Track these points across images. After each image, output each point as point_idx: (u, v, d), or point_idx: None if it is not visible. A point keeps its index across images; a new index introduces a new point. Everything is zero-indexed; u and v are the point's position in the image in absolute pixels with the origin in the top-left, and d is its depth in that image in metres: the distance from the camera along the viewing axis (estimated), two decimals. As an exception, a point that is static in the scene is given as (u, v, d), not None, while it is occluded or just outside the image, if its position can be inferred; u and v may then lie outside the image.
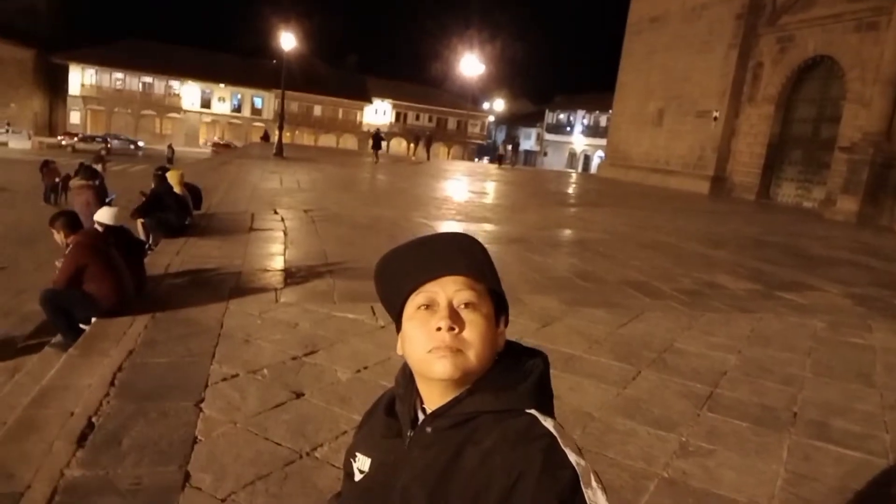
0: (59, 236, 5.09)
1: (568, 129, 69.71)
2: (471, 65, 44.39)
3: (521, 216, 14.73)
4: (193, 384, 3.82)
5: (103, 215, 5.65)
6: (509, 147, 46.61)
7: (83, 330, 4.63)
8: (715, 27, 28.00)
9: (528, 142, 76.30)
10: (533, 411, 0.93)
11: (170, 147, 41.48)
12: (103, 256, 4.84)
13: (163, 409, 3.50)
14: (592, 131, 64.22)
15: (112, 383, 3.88)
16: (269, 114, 60.58)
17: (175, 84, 61.43)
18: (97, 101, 59.00)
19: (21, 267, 9.58)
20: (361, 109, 67.13)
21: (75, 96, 58.35)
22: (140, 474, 2.92)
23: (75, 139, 45.93)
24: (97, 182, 8.91)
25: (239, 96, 64.07)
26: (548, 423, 0.91)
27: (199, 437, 3.23)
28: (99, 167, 11.27)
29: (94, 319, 4.66)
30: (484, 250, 1.03)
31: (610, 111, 43.02)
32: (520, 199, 20.61)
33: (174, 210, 8.05)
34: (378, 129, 33.18)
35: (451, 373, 0.93)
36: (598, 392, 4.24)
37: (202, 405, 3.58)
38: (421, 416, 1.00)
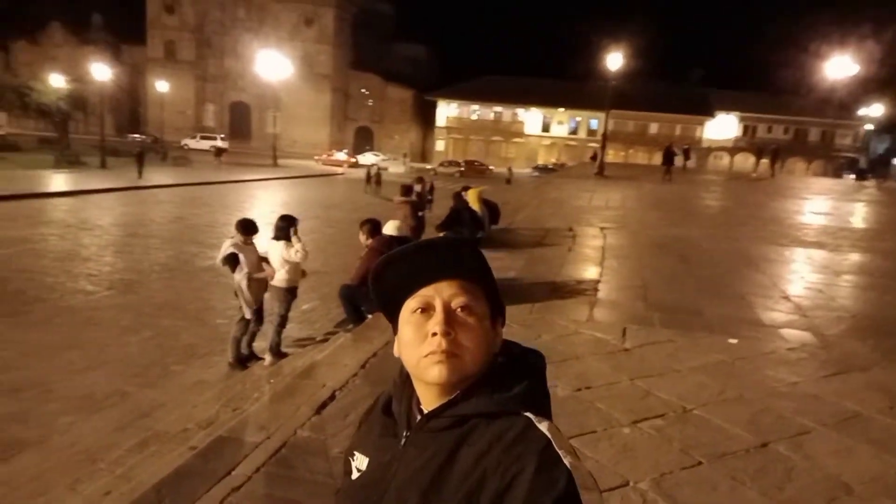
0: (362, 238, 6.17)
1: None
2: (840, 66, 37.70)
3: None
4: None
5: (389, 227, 6.62)
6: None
7: (364, 317, 5.53)
8: None
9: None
10: (528, 414, 0.92)
11: (509, 169, 45.55)
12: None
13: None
14: None
15: (363, 366, 4.55)
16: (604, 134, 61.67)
17: (520, 111, 67.44)
18: (457, 130, 68.58)
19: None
20: (702, 125, 63.21)
21: (441, 127, 68.95)
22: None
23: (439, 164, 54.24)
24: (414, 198, 10.44)
25: (576, 119, 66.91)
26: (543, 426, 0.90)
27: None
28: (419, 187, 13.08)
29: (371, 310, 5.52)
30: (479, 252, 1.03)
31: None
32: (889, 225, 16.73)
33: (469, 225, 8.90)
34: (671, 144, 30.56)
35: (447, 377, 0.94)
36: (873, 463, 3.27)
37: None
38: (418, 417, 1.01)
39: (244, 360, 5.71)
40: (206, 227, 15.24)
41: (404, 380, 1.06)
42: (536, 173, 48.89)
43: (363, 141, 65.77)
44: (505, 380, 0.96)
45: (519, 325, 5.35)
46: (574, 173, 30.53)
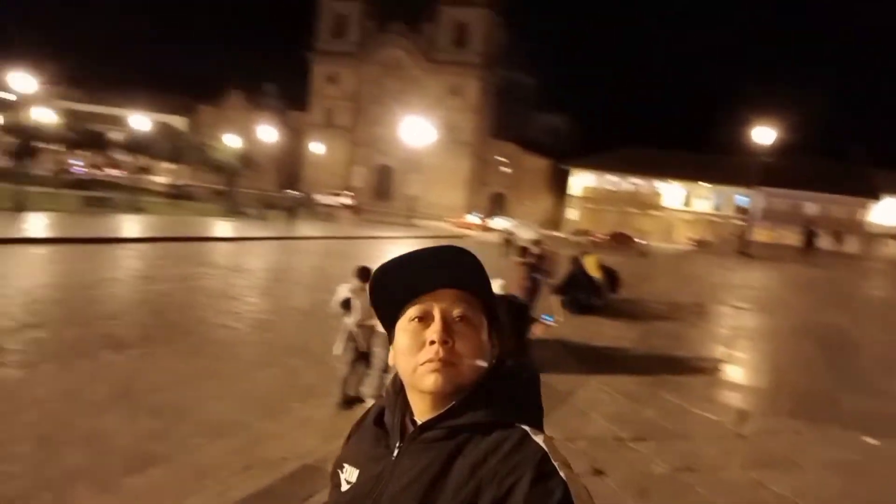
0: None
1: None
2: None
3: None
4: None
5: (494, 286, 6.65)
6: None
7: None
8: None
9: None
10: (524, 426, 0.92)
11: (645, 242, 44.10)
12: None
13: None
14: None
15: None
16: (750, 211, 57.97)
17: (658, 184, 65.58)
18: (592, 200, 67.89)
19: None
20: (866, 207, 57.26)
21: (574, 196, 68.68)
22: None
23: (571, 233, 54.04)
24: (531, 260, 10.42)
25: (719, 194, 63.68)
26: (538, 438, 0.90)
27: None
28: (536, 250, 13.06)
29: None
30: (478, 263, 1.02)
31: None
32: None
33: (585, 290, 8.74)
34: (811, 225, 27.50)
35: (443, 386, 0.93)
36: None
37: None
38: (410, 428, 0.99)
39: (350, 401, 5.94)
40: (340, 276, 16.16)
41: (397, 390, 1.05)
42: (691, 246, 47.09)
43: (496, 206, 67.16)
44: (500, 391, 0.96)
45: (623, 396, 5.13)
46: (715, 250, 28.92)
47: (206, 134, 42.95)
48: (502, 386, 0.97)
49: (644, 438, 4.25)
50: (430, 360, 0.94)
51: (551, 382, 5.43)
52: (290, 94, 67.88)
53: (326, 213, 38.51)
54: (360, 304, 5.70)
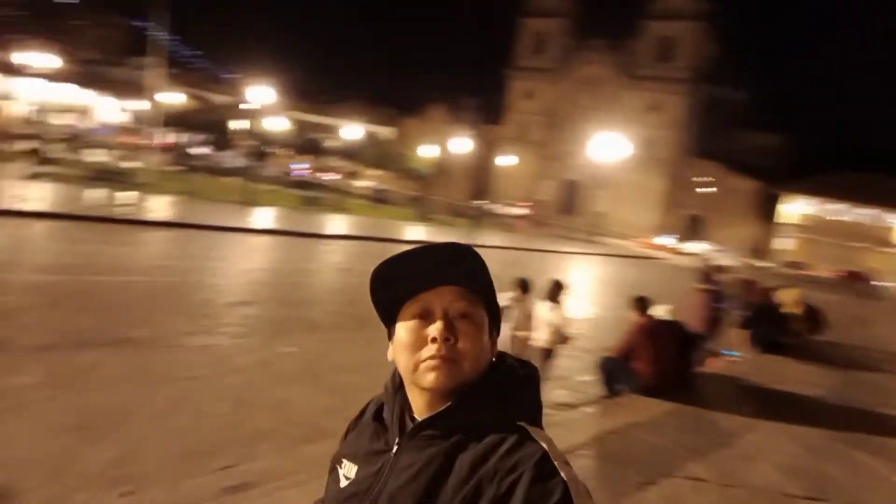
0: (632, 314, 6.05)
1: None
2: None
3: None
4: (656, 467, 3.97)
5: (660, 310, 6.29)
6: None
7: (617, 394, 5.40)
8: None
9: None
10: (523, 424, 0.92)
11: (882, 284, 38.40)
12: (653, 342, 5.51)
13: (608, 473, 3.84)
14: None
15: (596, 440, 4.46)
16: None
17: (889, 217, 56.20)
18: (808, 229, 60.30)
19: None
20: None
21: (787, 224, 61.48)
22: None
23: (782, 264, 48.82)
24: (714, 289, 9.57)
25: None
26: (538, 436, 0.90)
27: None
28: (722, 277, 11.94)
29: (626, 389, 5.37)
30: (480, 260, 1.00)
31: None
32: None
33: (778, 326, 7.88)
34: None
35: (444, 383, 0.93)
36: None
37: (646, 486, 3.71)
38: (410, 424, 0.99)
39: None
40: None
41: (397, 386, 1.04)
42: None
43: (692, 229, 62.77)
44: (500, 389, 0.96)
45: (802, 448, 4.58)
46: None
47: (407, 144, 46.15)
48: (502, 384, 0.97)
49: (821, 499, 3.78)
50: (431, 357, 0.94)
51: (716, 420, 5.03)
52: (486, 108, 70.28)
53: (507, 224, 39.21)
54: (517, 314, 5.80)
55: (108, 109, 42.79)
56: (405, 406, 1.01)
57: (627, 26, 62.88)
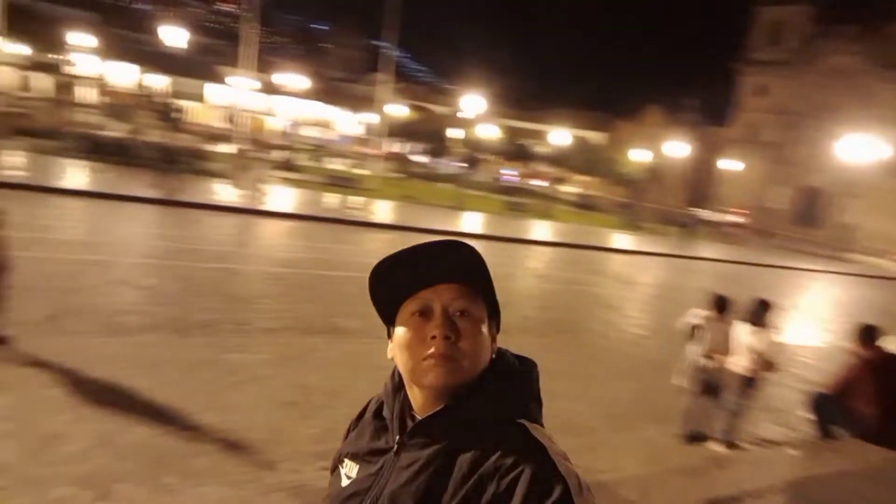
0: (854, 345, 5.20)
1: None
2: None
3: None
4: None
5: (891, 342, 5.24)
6: None
7: (833, 437, 4.73)
8: None
9: None
10: (523, 421, 0.93)
11: None
12: (878, 379, 4.68)
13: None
14: None
15: (792, 486, 3.98)
16: None
17: None
18: None
19: None
20: None
21: None
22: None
23: None
24: None
25: None
26: (538, 433, 0.91)
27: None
28: None
29: (844, 433, 4.66)
30: (479, 258, 0.99)
31: None
32: None
33: None
34: None
35: (445, 381, 0.92)
36: None
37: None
38: (410, 423, 0.98)
39: (694, 437, 5.66)
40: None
41: (397, 385, 1.04)
42: None
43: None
44: (499, 387, 0.95)
45: None
46: None
47: (618, 149, 44.76)
48: (502, 381, 0.96)
49: None
50: (431, 355, 0.93)
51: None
52: (708, 108, 65.13)
53: (725, 234, 35.84)
54: (711, 335, 5.38)
55: (347, 122, 48.35)
56: (405, 405, 1.01)
57: (883, 10, 53.35)
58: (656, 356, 8.87)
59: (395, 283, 1.00)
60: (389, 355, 1.03)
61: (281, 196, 18.47)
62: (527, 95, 75.27)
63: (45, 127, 20.48)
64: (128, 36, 42.56)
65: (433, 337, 0.93)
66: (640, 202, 39.35)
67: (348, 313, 7.73)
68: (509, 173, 46.42)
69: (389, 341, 1.03)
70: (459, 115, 33.55)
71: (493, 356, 0.99)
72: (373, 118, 36.87)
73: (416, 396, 0.98)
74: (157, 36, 27.49)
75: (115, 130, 21.93)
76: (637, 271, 18.21)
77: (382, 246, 14.49)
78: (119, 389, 4.58)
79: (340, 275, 10.03)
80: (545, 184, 46.06)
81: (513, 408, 0.94)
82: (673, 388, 7.14)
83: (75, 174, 15.43)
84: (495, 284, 1.03)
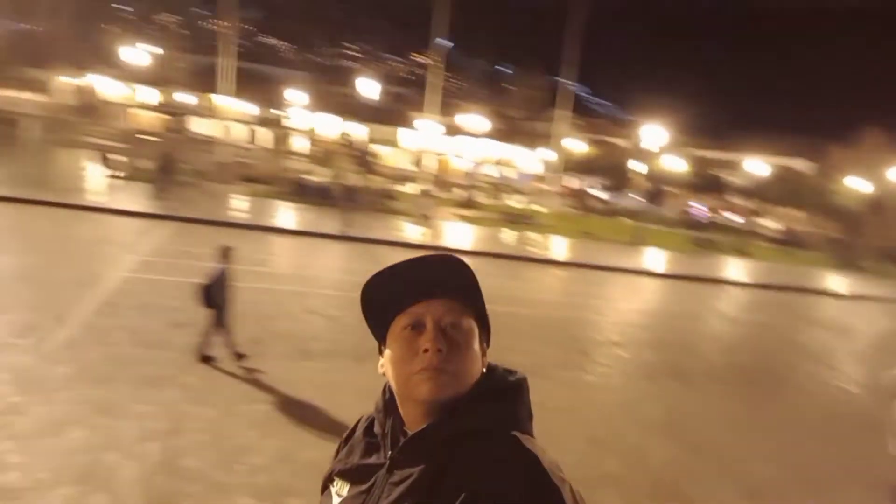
0: None
1: None
2: None
3: None
4: None
5: None
6: None
7: None
8: None
9: None
10: (515, 433, 0.93)
11: None
12: None
13: None
14: None
15: None
16: None
17: None
18: None
19: None
20: None
21: None
22: None
23: None
24: None
25: None
26: (529, 444, 0.90)
27: None
28: None
29: None
30: (469, 272, 0.99)
31: None
32: None
33: None
34: None
35: (438, 394, 0.93)
36: None
37: None
38: (402, 439, 0.98)
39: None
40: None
41: (388, 401, 1.03)
42: None
43: None
44: (490, 399, 0.95)
45: None
46: None
47: (829, 178, 39.80)
48: (493, 393, 0.96)
49: None
50: (424, 369, 0.93)
51: None
52: (951, 126, 55.15)
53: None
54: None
55: (527, 159, 49.09)
56: (397, 421, 1.01)
57: None
58: (869, 418, 7.64)
59: (386, 299, 1.01)
60: (381, 371, 1.03)
61: (458, 232, 19.25)
62: (718, 122, 70.26)
63: (264, 174, 23.78)
64: (332, 90, 47.83)
65: (425, 350, 0.94)
66: (858, 238, 34.32)
67: (515, 348, 7.79)
68: (698, 207, 43.42)
69: (380, 357, 1.04)
70: (642, 146, 32.34)
71: (484, 370, 1.00)
72: (550, 155, 37.06)
73: (408, 412, 0.98)
74: (356, 88, 30.59)
75: (319, 176, 24.66)
76: (851, 317, 15.88)
77: (553, 282, 14.38)
78: (302, 409, 5.09)
79: (509, 310, 10.15)
80: (739, 218, 42.30)
81: (504, 419, 0.94)
82: (888, 457, 6.10)
83: (285, 215, 17.60)
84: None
